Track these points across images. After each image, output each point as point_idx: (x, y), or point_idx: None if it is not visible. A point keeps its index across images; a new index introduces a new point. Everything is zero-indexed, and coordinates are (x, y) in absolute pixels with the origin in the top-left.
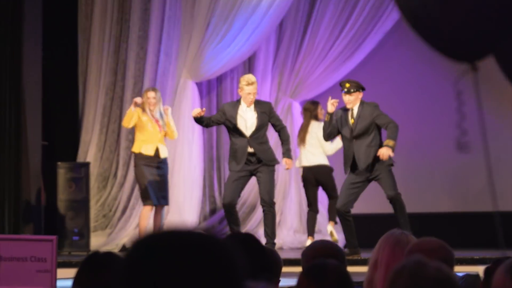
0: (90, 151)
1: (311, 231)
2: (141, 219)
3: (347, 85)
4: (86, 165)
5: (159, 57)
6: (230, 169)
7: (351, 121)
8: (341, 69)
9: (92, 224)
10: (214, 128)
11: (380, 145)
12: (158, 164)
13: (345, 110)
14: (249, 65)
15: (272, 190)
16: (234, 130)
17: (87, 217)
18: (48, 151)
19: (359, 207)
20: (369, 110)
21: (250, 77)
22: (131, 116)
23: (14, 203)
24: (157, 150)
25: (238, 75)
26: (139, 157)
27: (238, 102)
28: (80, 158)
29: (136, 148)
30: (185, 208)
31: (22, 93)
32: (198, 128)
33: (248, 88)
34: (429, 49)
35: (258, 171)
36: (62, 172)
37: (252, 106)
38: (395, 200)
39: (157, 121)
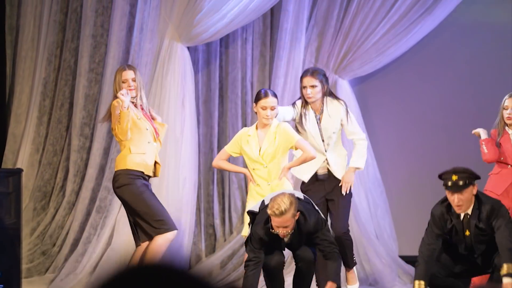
0: (22, 151)
1: None
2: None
3: (454, 177)
4: (17, 173)
5: (135, 5)
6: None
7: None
8: (412, 31)
9: (25, 265)
10: (215, 118)
11: None
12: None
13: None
14: (271, 21)
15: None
16: None
17: (16, 255)
18: None
19: None
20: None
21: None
22: (127, 120)
23: None
24: (154, 167)
25: (254, 37)
26: (131, 173)
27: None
28: (6, 163)
29: (133, 164)
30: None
31: None
32: (190, 117)
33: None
34: None
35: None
36: None
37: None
38: None
39: (151, 119)
